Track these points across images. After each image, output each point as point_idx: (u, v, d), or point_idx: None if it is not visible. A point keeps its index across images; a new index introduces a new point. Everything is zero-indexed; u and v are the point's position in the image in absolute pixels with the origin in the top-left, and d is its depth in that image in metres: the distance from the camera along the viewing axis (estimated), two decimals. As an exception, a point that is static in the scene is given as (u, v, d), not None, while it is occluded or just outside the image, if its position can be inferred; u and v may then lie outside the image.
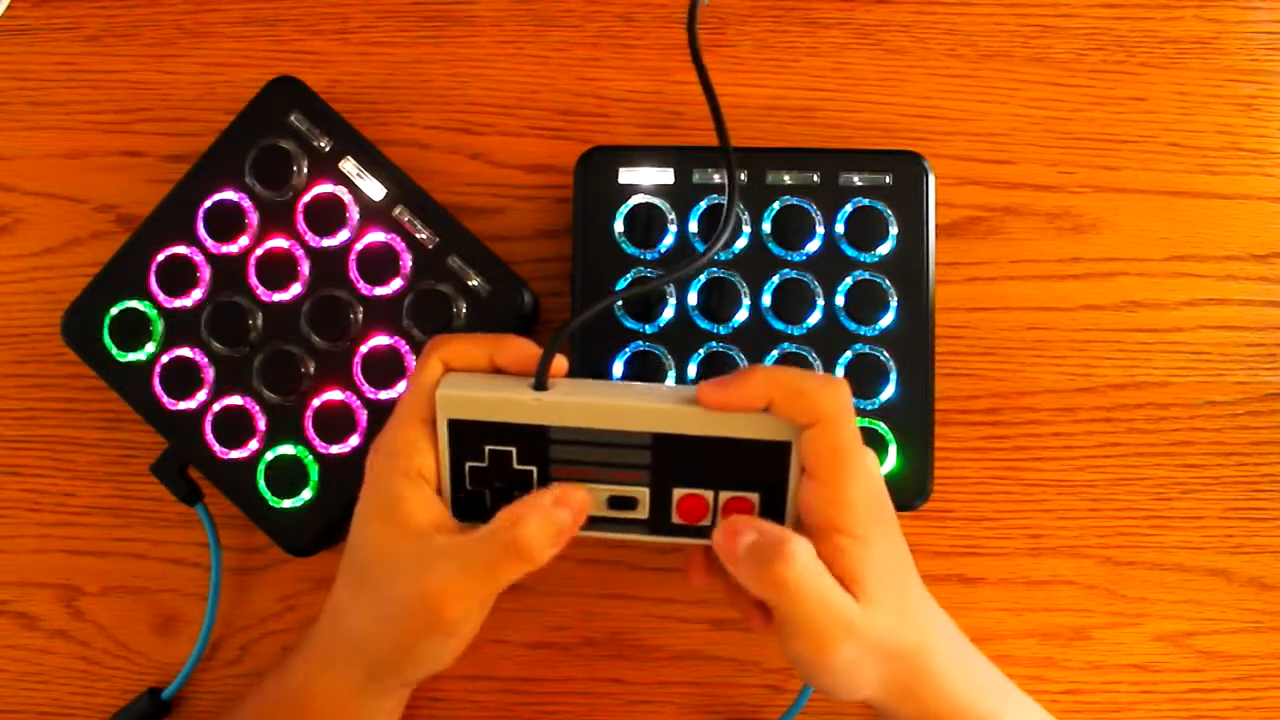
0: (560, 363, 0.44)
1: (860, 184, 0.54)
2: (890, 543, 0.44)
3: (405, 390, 0.45)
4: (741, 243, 0.54)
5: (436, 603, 0.42)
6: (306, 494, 0.53)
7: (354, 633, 0.46)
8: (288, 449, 0.54)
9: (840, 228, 0.54)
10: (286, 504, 0.53)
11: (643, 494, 0.45)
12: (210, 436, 0.54)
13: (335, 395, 0.54)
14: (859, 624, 0.42)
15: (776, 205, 0.54)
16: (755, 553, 0.42)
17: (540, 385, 0.44)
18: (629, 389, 0.45)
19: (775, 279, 0.54)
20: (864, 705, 0.47)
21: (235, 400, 0.54)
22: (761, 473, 0.44)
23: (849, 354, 0.53)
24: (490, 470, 0.45)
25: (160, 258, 0.54)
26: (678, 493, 0.45)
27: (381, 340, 0.54)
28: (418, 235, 0.54)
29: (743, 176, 0.54)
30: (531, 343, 0.45)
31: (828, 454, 0.43)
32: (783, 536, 0.42)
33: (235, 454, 0.54)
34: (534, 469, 0.45)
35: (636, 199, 0.54)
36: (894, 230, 0.54)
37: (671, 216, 0.54)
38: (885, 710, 0.46)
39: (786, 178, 0.54)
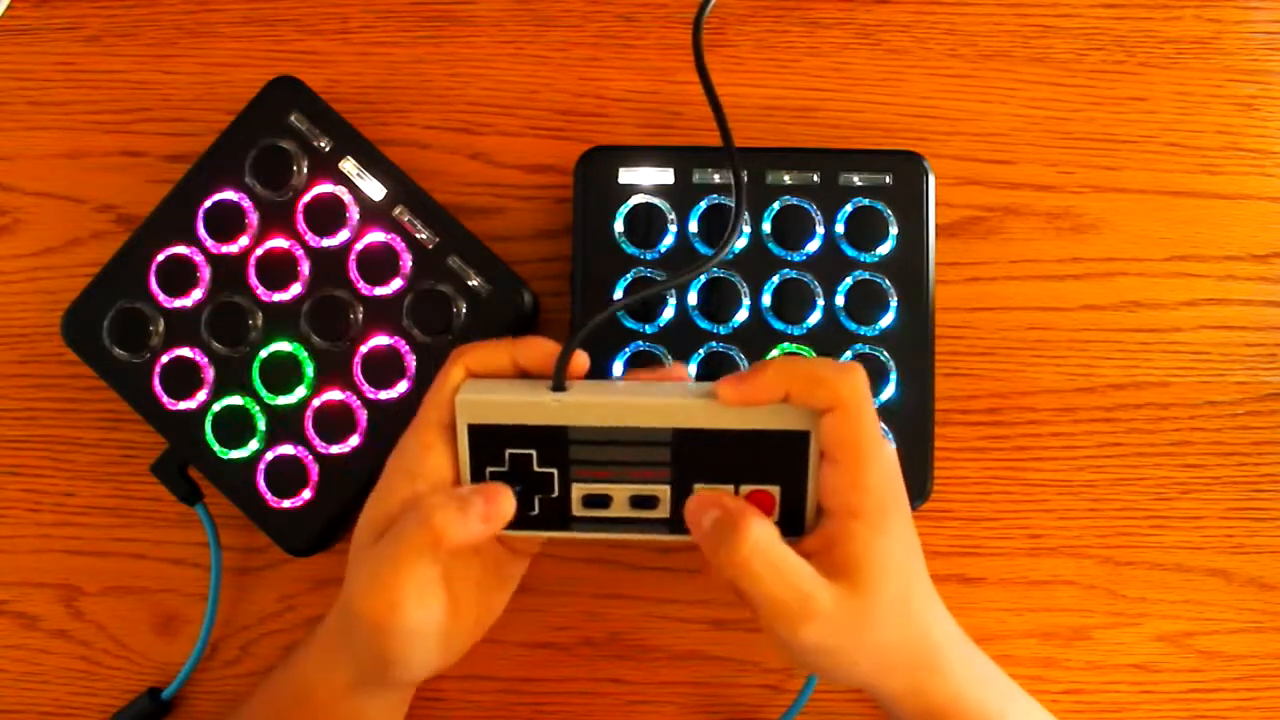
0: (582, 360, 0.45)
1: (860, 184, 0.54)
2: (901, 534, 0.44)
3: (427, 394, 0.45)
4: (741, 243, 0.54)
5: (359, 600, 0.43)
6: (306, 494, 0.53)
7: (340, 632, 0.46)
8: (287, 449, 0.54)
9: (840, 228, 0.54)
10: (286, 504, 0.53)
11: (664, 492, 0.45)
12: (210, 436, 0.54)
13: (335, 395, 0.54)
14: (826, 606, 0.42)
15: (776, 205, 0.54)
16: (716, 529, 0.43)
17: (558, 386, 0.44)
18: (647, 387, 0.45)
19: (775, 279, 0.54)
20: (864, 693, 0.47)
21: (235, 400, 0.54)
22: (781, 464, 0.44)
23: (849, 354, 0.53)
24: (511, 474, 0.45)
25: (160, 258, 0.54)
26: (699, 489, 0.45)
27: (381, 340, 0.54)
28: (418, 235, 0.54)
29: (743, 176, 0.54)
30: (552, 341, 0.45)
31: (847, 438, 0.43)
32: (740, 515, 0.42)
33: (235, 454, 0.54)
34: (554, 471, 0.45)
35: (636, 199, 0.54)
36: (894, 230, 0.54)
37: (671, 216, 0.54)
38: (890, 703, 0.46)
39: (786, 178, 0.54)
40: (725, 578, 0.43)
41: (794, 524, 0.45)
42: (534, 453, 0.45)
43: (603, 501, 0.45)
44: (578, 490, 0.45)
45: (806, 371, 0.43)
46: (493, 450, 0.45)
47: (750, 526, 0.42)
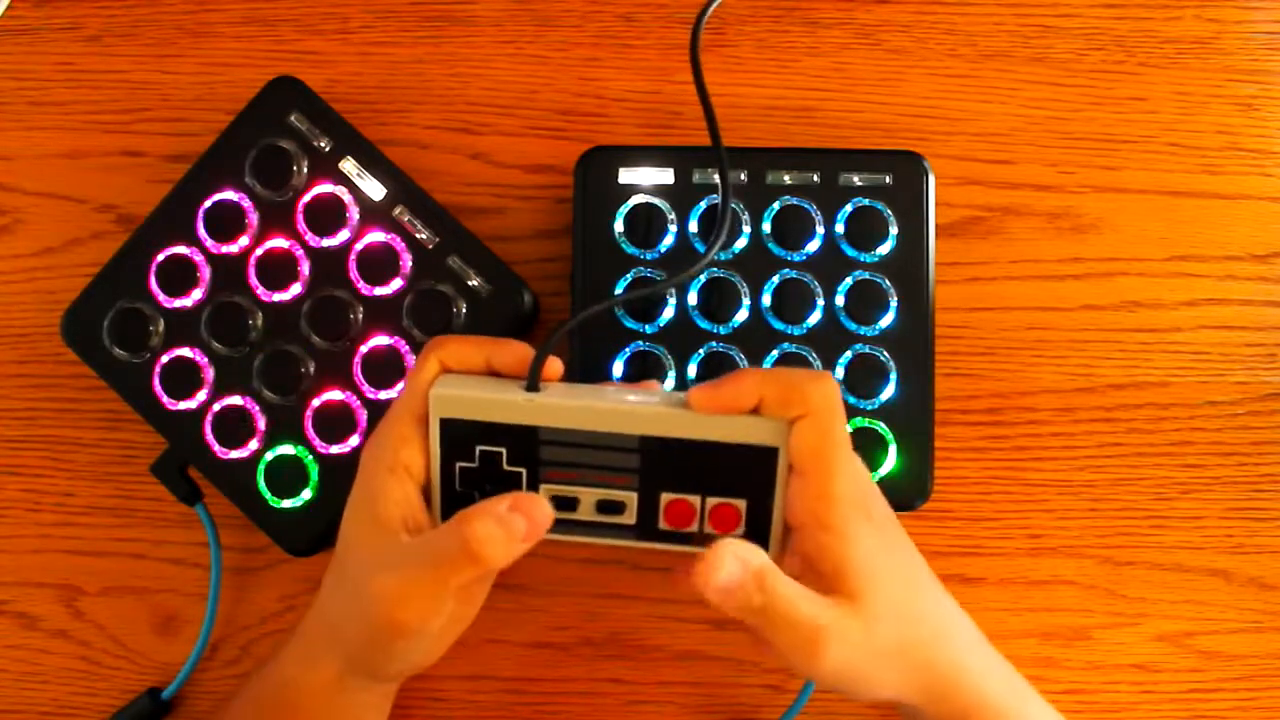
0: (555, 365, 0.45)
1: (860, 184, 0.54)
2: (881, 539, 0.44)
3: (402, 387, 0.46)
4: (741, 243, 0.54)
5: (389, 605, 0.42)
6: (306, 494, 0.53)
7: (332, 627, 0.46)
8: (288, 449, 0.54)
9: (840, 228, 0.54)
10: (286, 504, 0.54)
11: (630, 499, 0.45)
12: (210, 436, 0.54)
13: (335, 395, 0.54)
14: (836, 630, 0.42)
15: (776, 205, 0.54)
16: (732, 587, 0.42)
17: (532, 386, 0.44)
18: (620, 392, 0.46)
19: (775, 279, 0.54)
20: (889, 706, 0.46)
21: (235, 400, 0.54)
22: (748, 479, 0.44)
23: (849, 354, 0.53)
24: (480, 471, 0.45)
25: (160, 258, 0.54)
26: (665, 498, 0.45)
27: (381, 340, 0.54)
28: (418, 235, 0.54)
29: (742, 176, 0.54)
30: (529, 346, 0.45)
31: (816, 447, 0.42)
32: (756, 565, 0.42)
33: (235, 454, 0.54)
34: (523, 470, 0.45)
35: (636, 199, 0.54)
36: (894, 230, 0.54)
37: (671, 216, 0.54)
38: (912, 710, 0.46)
39: (786, 178, 0.54)
40: (738, 620, 0.42)
41: (758, 539, 0.45)
42: (504, 451, 0.45)
43: (570, 504, 0.45)
44: (545, 491, 0.45)
45: (779, 379, 0.43)
46: (464, 446, 0.45)
47: (764, 576, 0.42)
